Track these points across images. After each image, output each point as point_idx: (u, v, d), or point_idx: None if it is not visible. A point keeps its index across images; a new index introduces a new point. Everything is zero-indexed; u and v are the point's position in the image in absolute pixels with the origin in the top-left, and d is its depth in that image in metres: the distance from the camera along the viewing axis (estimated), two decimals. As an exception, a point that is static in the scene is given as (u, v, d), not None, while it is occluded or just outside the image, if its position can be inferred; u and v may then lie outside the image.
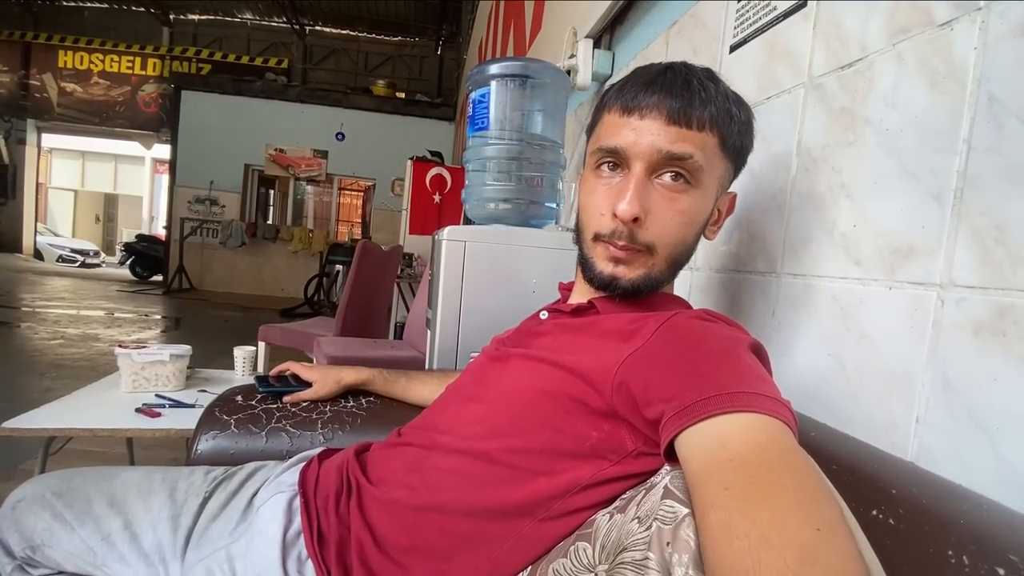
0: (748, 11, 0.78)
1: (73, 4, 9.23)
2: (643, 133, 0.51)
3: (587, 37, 1.37)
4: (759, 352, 0.45)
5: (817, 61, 0.64)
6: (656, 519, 0.33)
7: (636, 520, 0.35)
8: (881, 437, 0.51)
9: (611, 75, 1.36)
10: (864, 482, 0.41)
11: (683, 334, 0.46)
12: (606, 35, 1.39)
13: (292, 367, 0.88)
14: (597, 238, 0.55)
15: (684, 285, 0.90)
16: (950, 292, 0.46)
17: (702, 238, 0.58)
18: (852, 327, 0.56)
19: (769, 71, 0.73)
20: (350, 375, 0.86)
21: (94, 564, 0.59)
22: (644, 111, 0.51)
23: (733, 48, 0.82)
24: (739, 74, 0.79)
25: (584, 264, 0.58)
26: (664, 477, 0.37)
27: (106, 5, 9.18)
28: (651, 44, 1.12)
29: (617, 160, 0.53)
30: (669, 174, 0.52)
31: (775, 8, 0.72)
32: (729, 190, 0.59)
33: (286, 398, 0.83)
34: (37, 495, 0.61)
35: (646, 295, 0.56)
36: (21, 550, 0.60)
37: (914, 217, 0.50)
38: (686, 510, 0.33)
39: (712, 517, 0.31)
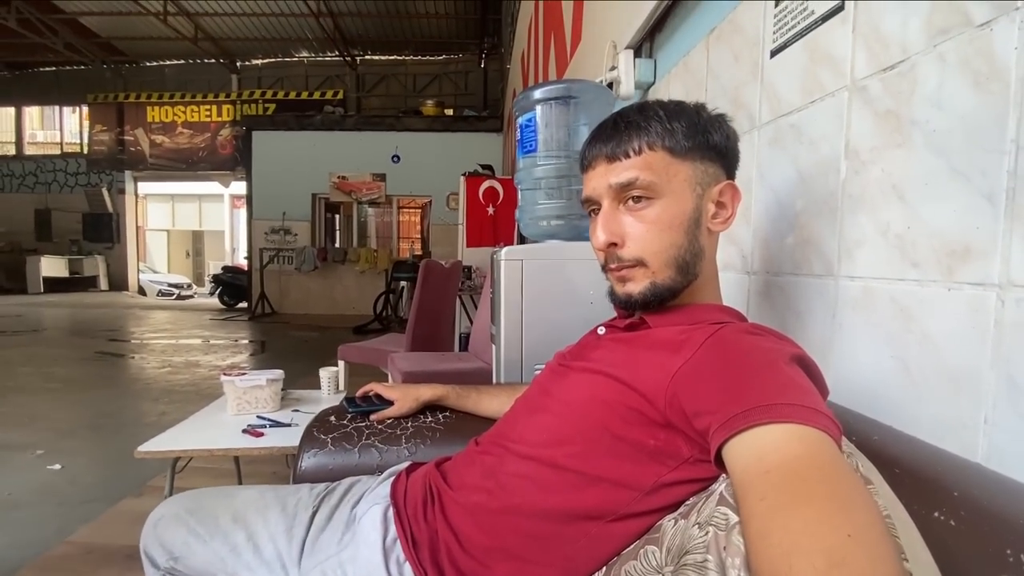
0: (786, 16, 0.79)
1: (155, 64, 10.31)
2: (597, 179, 0.62)
3: (627, 48, 1.39)
4: (804, 363, 0.47)
5: (859, 64, 0.64)
6: (712, 525, 0.37)
7: (696, 525, 0.39)
8: (949, 438, 0.51)
9: (654, 83, 1.38)
10: (927, 484, 0.41)
11: (728, 348, 0.49)
12: (646, 43, 1.40)
13: (375, 388, 0.98)
14: (604, 269, 0.65)
15: (743, 290, 0.91)
16: (1009, 292, 0.46)
17: (711, 231, 0.62)
18: (914, 328, 0.56)
19: (812, 75, 0.73)
20: (427, 392, 0.94)
21: (226, 572, 0.69)
22: (592, 163, 0.63)
23: (774, 53, 0.82)
24: (782, 78, 0.80)
25: (609, 294, 0.66)
26: (720, 484, 0.41)
27: (182, 61, 10.18)
28: (691, 51, 1.13)
29: (594, 207, 0.64)
30: (630, 199, 0.60)
31: (812, 12, 0.73)
32: (729, 181, 0.63)
33: (373, 416, 0.92)
34: (172, 513, 0.72)
35: (677, 303, 0.61)
36: (165, 561, 0.71)
37: (967, 218, 0.50)
38: (736, 517, 0.36)
39: (751, 527, 0.34)
